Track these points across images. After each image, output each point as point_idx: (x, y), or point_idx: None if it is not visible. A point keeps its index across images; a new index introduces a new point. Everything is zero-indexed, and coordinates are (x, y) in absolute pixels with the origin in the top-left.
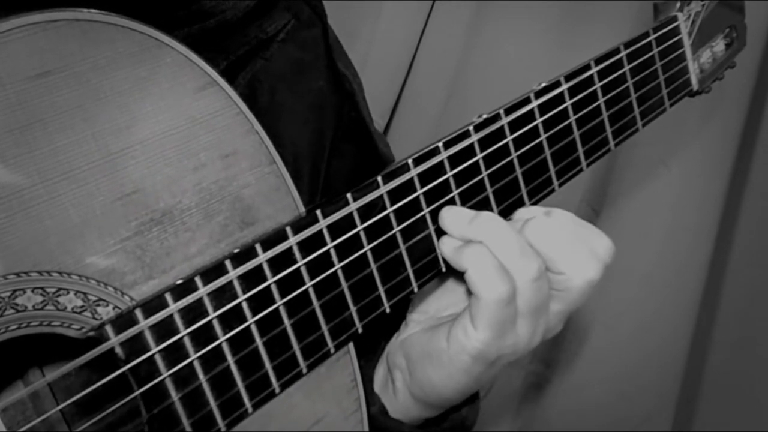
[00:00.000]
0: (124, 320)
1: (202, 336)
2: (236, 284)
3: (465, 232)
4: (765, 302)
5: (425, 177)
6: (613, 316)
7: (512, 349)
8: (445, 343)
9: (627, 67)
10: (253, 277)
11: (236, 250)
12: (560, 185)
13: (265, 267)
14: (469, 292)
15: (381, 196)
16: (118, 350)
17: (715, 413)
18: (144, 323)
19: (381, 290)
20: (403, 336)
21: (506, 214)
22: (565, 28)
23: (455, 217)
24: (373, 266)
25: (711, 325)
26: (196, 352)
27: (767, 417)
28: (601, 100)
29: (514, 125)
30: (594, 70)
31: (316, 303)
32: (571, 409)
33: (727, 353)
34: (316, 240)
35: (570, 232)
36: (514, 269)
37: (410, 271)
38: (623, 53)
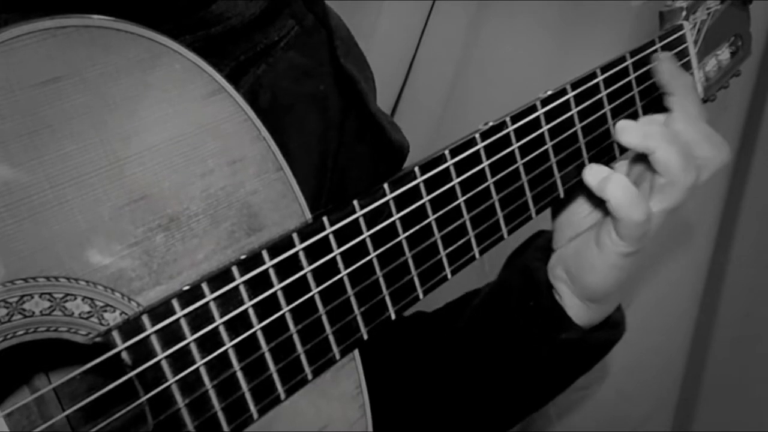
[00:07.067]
0: (130, 326)
1: (209, 342)
2: (243, 291)
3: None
4: (765, 302)
5: (431, 184)
6: None
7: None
8: (595, 249)
9: (633, 76)
10: (260, 283)
11: (243, 257)
12: (565, 192)
13: (272, 273)
14: (606, 212)
15: (387, 203)
16: (125, 356)
17: (715, 413)
18: (151, 329)
19: (386, 296)
20: (556, 254)
21: (510, 221)
22: (565, 29)
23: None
24: (379, 273)
25: (711, 325)
26: (203, 358)
27: (767, 417)
28: (607, 108)
29: (520, 133)
30: (600, 78)
31: (321, 309)
32: (570, 409)
33: (727, 353)
34: (323, 247)
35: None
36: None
37: (415, 276)
38: (629, 61)
